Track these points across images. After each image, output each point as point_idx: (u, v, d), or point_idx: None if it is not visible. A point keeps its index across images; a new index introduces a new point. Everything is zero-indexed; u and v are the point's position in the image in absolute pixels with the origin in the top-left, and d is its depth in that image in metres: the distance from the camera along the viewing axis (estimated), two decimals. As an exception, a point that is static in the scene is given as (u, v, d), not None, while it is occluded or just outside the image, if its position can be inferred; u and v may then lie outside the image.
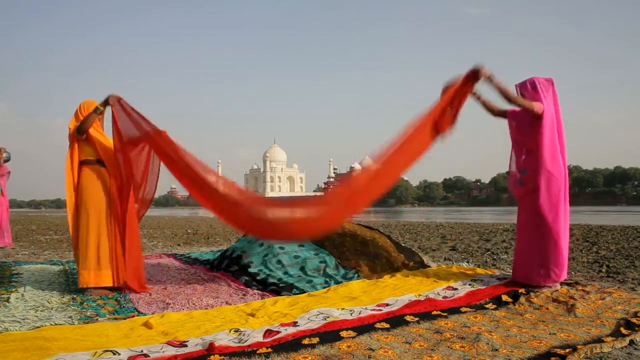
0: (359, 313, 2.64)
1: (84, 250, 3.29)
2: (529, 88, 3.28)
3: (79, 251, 3.31)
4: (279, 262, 4.01)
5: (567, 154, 3.34)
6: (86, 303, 3.00)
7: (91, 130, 3.41)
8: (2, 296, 3.11)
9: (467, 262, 4.95)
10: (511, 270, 3.95)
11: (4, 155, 7.07)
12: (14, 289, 3.35)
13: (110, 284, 3.30)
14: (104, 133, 3.56)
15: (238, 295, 3.31)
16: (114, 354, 1.95)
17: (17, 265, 4.62)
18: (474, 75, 3.24)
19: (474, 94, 3.34)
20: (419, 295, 3.09)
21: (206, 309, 2.88)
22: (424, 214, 33.10)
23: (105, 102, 3.39)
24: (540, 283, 3.19)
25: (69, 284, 3.63)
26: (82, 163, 3.42)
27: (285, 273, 3.84)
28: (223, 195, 3.20)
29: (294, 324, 2.44)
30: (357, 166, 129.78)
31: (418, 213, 36.12)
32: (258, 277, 3.76)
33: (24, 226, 13.97)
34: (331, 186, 3.17)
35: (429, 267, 4.15)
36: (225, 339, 2.16)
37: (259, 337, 2.18)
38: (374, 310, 2.72)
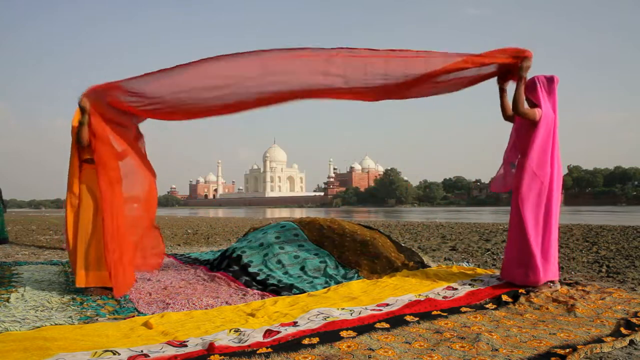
0: (359, 313, 2.64)
1: (82, 249, 3.28)
2: (529, 87, 3.30)
3: (78, 251, 3.30)
4: (279, 262, 4.01)
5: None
6: (86, 303, 3.00)
7: (92, 140, 3.43)
8: (2, 296, 3.11)
9: (467, 262, 4.95)
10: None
11: None
12: (14, 289, 3.35)
13: (108, 285, 3.29)
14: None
15: (238, 295, 3.31)
16: (114, 354, 1.95)
17: (17, 265, 4.62)
18: (519, 60, 3.21)
19: (502, 85, 3.32)
20: (419, 295, 3.09)
21: (206, 309, 2.88)
22: (424, 214, 33.10)
23: (81, 107, 3.28)
24: (520, 282, 3.19)
25: (69, 284, 3.63)
26: (83, 161, 3.43)
27: (285, 273, 3.85)
28: None
29: (294, 324, 2.44)
30: (357, 166, 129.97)
31: (418, 213, 36.13)
32: (258, 277, 3.76)
33: (24, 226, 13.96)
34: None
35: (429, 267, 4.15)
36: (225, 339, 2.16)
37: (259, 337, 2.18)
38: (374, 310, 2.72)
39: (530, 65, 3.22)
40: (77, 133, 3.33)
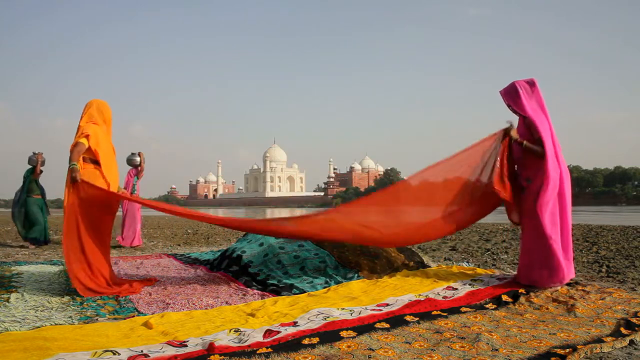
0: (359, 313, 2.64)
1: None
2: (511, 93, 3.36)
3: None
4: (279, 262, 4.01)
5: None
6: (86, 303, 3.00)
7: (92, 143, 3.42)
8: (2, 296, 3.11)
9: (467, 262, 4.95)
10: (511, 270, 3.95)
11: (137, 158, 7.43)
12: (14, 289, 3.35)
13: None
14: (109, 137, 3.61)
15: (238, 295, 3.31)
16: (114, 354, 1.95)
17: (17, 265, 4.62)
18: (505, 134, 3.35)
19: (516, 141, 3.35)
20: (419, 295, 3.09)
21: (206, 309, 2.88)
22: (424, 214, 32.94)
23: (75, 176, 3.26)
24: (544, 284, 3.20)
25: (69, 284, 3.62)
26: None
27: (285, 273, 3.84)
28: None
29: (294, 324, 2.44)
30: (357, 166, 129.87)
31: (418, 213, 35.97)
32: (258, 277, 3.76)
33: (24, 226, 13.95)
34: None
35: (429, 267, 4.15)
36: (225, 339, 2.16)
37: (259, 337, 2.18)
38: (374, 310, 2.73)
39: (510, 130, 3.34)
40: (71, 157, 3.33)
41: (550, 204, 3.19)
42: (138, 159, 7.40)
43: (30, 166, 7.36)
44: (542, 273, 3.21)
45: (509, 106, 3.39)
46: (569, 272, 3.22)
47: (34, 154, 7.34)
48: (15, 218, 7.31)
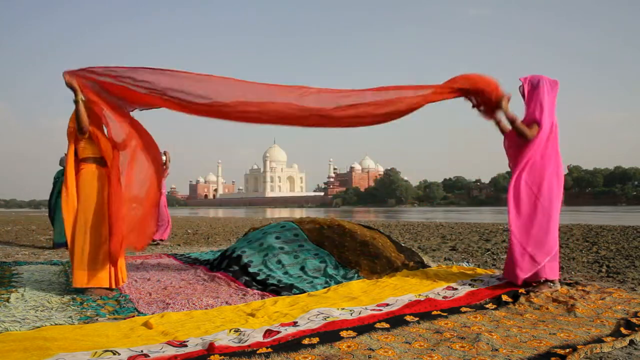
0: (359, 313, 2.64)
1: (80, 250, 3.27)
2: (532, 84, 3.32)
3: (75, 251, 3.29)
4: (279, 262, 4.01)
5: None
6: (86, 303, 3.00)
7: (92, 128, 3.39)
8: (2, 296, 3.11)
9: (467, 262, 4.95)
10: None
11: (162, 157, 7.23)
12: (14, 289, 3.35)
13: (106, 285, 3.28)
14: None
15: (238, 295, 3.32)
16: (114, 354, 1.95)
17: (17, 265, 4.62)
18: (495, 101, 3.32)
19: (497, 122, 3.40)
20: (419, 295, 3.09)
21: (206, 309, 2.88)
22: (423, 214, 33.08)
23: (69, 87, 3.23)
24: (514, 281, 3.17)
25: (69, 284, 3.62)
26: (81, 161, 3.41)
27: (285, 273, 3.84)
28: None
29: (294, 324, 2.44)
30: (357, 166, 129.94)
31: (418, 213, 36.11)
32: (258, 277, 3.76)
33: (24, 226, 13.96)
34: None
35: (429, 267, 4.15)
36: (225, 339, 2.16)
37: (259, 337, 2.18)
38: (374, 310, 2.73)
39: (504, 97, 3.28)
40: (76, 117, 3.30)
41: (548, 205, 3.17)
42: (164, 157, 7.05)
43: (61, 167, 7.24)
44: (514, 269, 3.18)
45: (522, 92, 3.33)
46: (543, 272, 3.14)
47: (66, 155, 7.21)
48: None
